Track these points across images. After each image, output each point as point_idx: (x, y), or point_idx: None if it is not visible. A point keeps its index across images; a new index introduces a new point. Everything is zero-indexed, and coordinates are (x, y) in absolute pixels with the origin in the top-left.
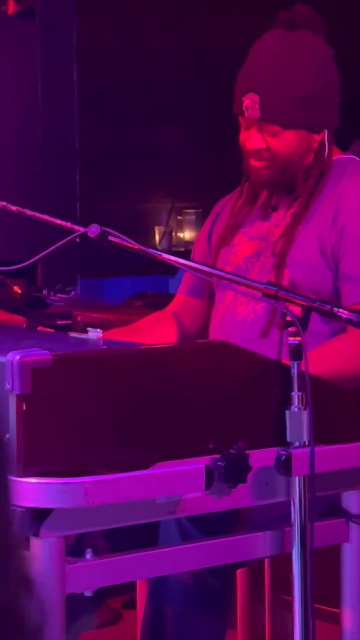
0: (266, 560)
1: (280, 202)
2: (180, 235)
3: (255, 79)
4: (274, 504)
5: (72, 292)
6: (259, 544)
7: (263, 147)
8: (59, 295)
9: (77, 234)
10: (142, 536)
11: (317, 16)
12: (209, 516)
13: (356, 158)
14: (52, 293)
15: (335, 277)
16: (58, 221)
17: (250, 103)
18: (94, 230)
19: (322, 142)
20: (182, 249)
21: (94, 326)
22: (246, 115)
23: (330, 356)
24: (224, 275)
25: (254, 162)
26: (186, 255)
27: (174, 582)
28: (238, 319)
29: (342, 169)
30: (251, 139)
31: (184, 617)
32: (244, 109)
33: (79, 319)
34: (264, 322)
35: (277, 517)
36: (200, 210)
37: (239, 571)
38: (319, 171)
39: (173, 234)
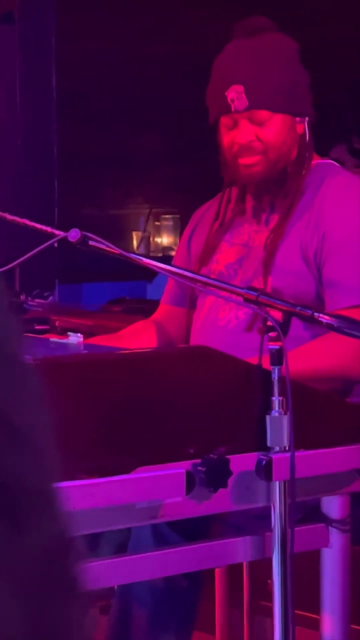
0: (245, 566)
1: (260, 207)
2: (158, 240)
3: (235, 71)
4: None
5: (50, 298)
6: (239, 549)
7: (254, 139)
8: (36, 300)
9: (57, 237)
10: (123, 541)
11: (272, 22)
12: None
13: (335, 163)
14: (29, 298)
15: (318, 283)
16: (38, 226)
17: (235, 95)
18: (74, 234)
19: (303, 135)
20: (160, 255)
21: (72, 331)
22: (233, 108)
23: (312, 355)
24: (205, 280)
25: (245, 161)
26: (164, 260)
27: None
28: (220, 325)
29: (321, 174)
30: (240, 133)
31: (151, 615)
32: (229, 102)
33: (57, 324)
34: (246, 329)
35: (254, 517)
36: (178, 216)
37: (217, 577)
38: (302, 171)
39: (151, 239)
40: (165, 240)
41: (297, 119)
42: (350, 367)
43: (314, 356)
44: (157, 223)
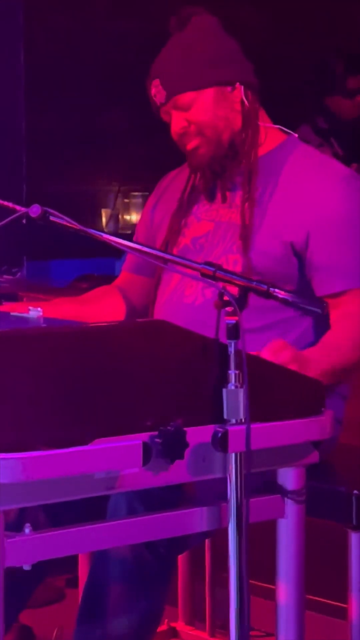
0: (207, 539)
1: (224, 185)
2: (127, 217)
3: (154, 67)
4: (218, 482)
5: (18, 274)
6: (196, 519)
7: (185, 125)
8: (5, 276)
9: (18, 214)
10: (82, 511)
11: (202, 10)
12: (155, 494)
13: (298, 139)
14: None
15: (301, 265)
16: (0, 201)
17: (155, 90)
18: (35, 210)
19: (242, 102)
20: (129, 232)
21: None
22: (158, 103)
23: (329, 351)
24: (164, 256)
25: (189, 146)
26: (132, 237)
27: (114, 559)
28: (186, 302)
29: (289, 153)
30: (173, 124)
31: (121, 594)
32: (153, 96)
33: (24, 300)
34: (213, 307)
35: (220, 494)
36: (147, 193)
37: None
38: (253, 138)
39: (120, 216)
40: (134, 217)
41: (229, 88)
42: None
43: (333, 351)
44: (126, 200)
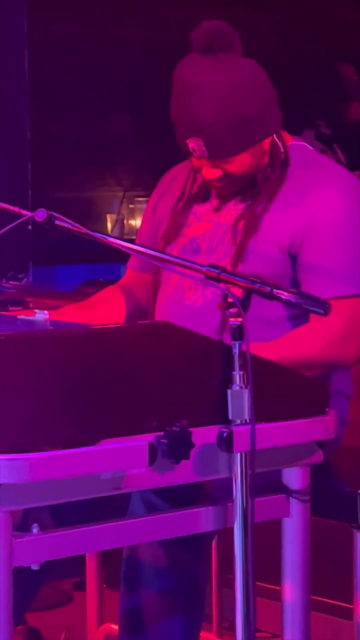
0: (213, 541)
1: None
2: (132, 223)
3: (193, 122)
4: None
5: (24, 280)
6: (202, 519)
7: (221, 175)
8: (10, 282)
9: (24, 218)
10: (88, 511)
11: (229, 29)
12: (174, 488)
13: (310, 147)
14: (3, 280)
15: (293, 271)
16: (5, 206)
17: (196, 146)
18: (41, 214)
19: (273, 142)
20: (134, 237)
21: None
22: (196, 155)
23: (297, 342)
24: (168, 258)
25: (215, 183)
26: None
27: (144, 562)
28: (187, 304)
29: (300, 159)
30: (206, 170)
31: (159, 598)
32: (191, 150)
33: (30, 305)
34: (213, 309)
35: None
36: None
37: None
38: (280, 164)
39: (125, 222)
40: (139, 222)
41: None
42: (336, 352)
43: (300, 343)
44: (130, 206)
